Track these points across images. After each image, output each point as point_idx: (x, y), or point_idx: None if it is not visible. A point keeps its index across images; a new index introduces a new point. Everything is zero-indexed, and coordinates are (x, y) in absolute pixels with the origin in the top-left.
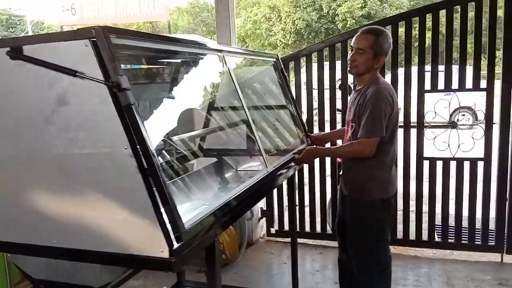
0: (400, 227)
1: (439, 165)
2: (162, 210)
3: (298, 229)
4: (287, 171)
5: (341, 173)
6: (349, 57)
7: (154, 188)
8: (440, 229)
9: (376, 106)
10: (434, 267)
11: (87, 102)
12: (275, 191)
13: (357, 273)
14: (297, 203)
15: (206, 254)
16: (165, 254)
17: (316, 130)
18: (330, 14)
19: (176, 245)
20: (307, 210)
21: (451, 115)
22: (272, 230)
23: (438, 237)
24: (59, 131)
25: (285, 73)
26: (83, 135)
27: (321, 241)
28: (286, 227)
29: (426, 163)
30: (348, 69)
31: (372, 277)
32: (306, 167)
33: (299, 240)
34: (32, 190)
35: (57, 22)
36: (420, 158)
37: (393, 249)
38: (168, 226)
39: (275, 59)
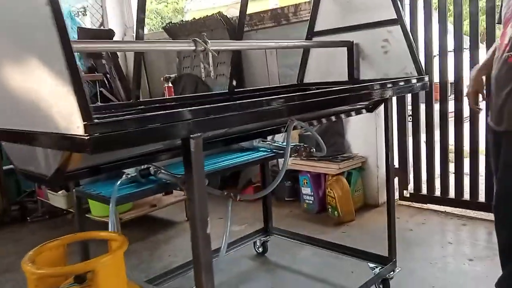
0: None
1: None
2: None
3: (439, 194)
4: None
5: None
6: None
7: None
8: None
9: None
10: None
11: None
12: (410, 147)
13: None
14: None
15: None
16: (80, 130)
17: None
18: None
19: (93, 121)
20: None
21: None
22: (406, 193)
23: None
24: None
25: None
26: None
27: (469, 211)
28: (425, 190)
29: None
30: None
31: None
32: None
33: (440, 208)
34: None
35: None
36: None
37: None
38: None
39: None
